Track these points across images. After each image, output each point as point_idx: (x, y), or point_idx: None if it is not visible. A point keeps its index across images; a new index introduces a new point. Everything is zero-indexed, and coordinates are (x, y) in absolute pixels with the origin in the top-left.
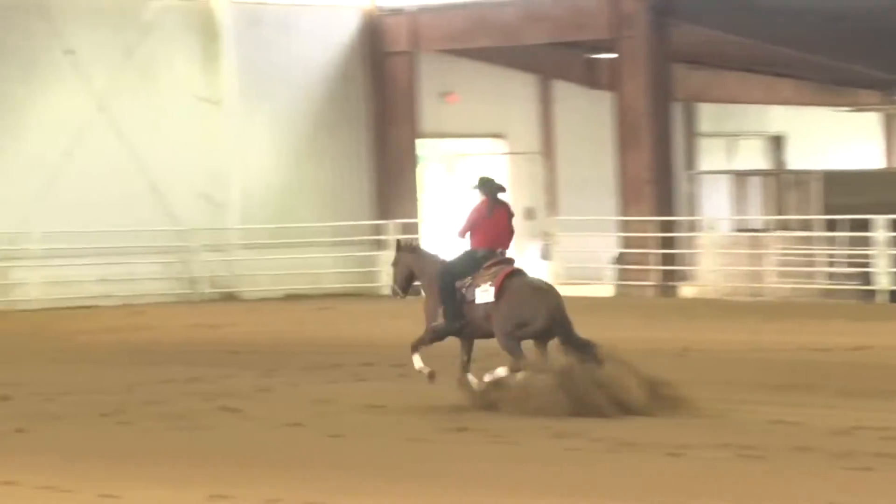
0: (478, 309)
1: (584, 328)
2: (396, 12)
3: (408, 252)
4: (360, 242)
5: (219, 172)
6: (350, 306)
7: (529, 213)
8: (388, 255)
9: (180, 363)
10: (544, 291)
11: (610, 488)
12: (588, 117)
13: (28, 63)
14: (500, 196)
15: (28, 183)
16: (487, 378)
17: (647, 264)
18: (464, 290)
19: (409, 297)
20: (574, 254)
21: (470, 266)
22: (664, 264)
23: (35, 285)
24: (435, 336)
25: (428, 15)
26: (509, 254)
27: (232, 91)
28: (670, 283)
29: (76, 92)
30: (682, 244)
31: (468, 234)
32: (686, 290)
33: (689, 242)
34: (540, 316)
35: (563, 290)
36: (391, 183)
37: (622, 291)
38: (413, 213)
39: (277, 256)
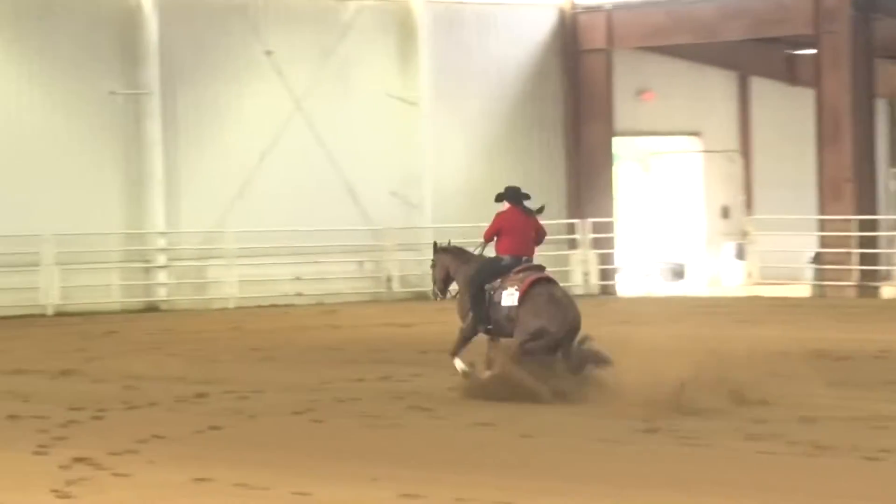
0: (502, 310)
1: (779, 329)
2: (593, 10)
3: (444, 253)
4: (553, 241)
5: (412, 172)
6: None
7: (725, 212)
8: (582, 254)
9: (372, 362)
10: (563, 305)
11: (805, 493)
12: (787, 114)
13: (229, 63)
14: (526, 204)
15: (226, 182)
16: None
17: (847, 264)
18: (492, 293)
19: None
20: (770, 253)
21: (498, 271)
22: (865, 264)
23: (230, 284)
24: (466, 337)
25: (624, 12)
26: (535, 261)
27: (427, 91)
28: (871, 284)
29: (275, 92)
30: (884, 243)
31: (494, 239)
32: (888, 291)
33: (891, 242)
34: (554, 327)
35: (758, 291)
36: (586, 182)
37: (820, 292)
38: (608, 211)
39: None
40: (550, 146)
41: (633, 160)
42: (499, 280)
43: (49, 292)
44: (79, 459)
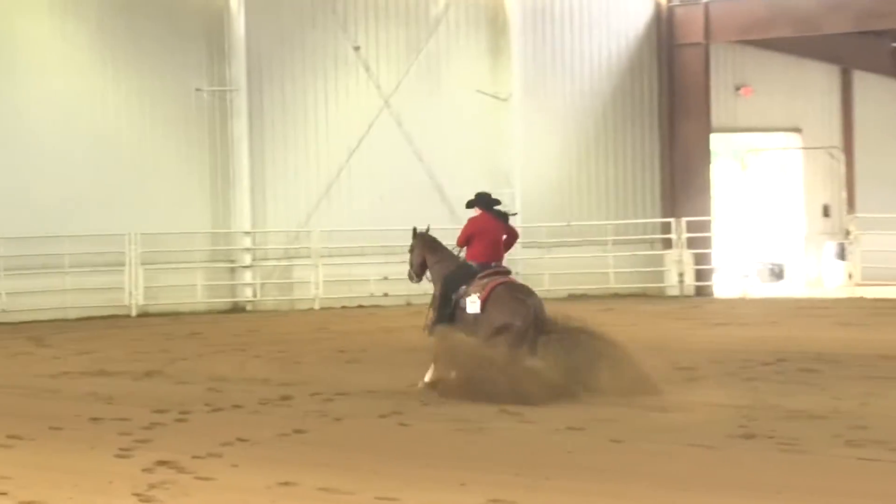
0: (468, 316)
1: (881, 331)
2: (690, 2)
3: (423, 242)
4: (647, 241)
5: (502, 170)
6: (633, 307)
7: (826, 211)
8: (677, 254)
9: None
10: (525, 302)
11: None
12: (892, 109)
13: (316, 59)
14: (497, 209)
15: (312, 180)
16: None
17: None
18: (457, 299)
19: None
20: (873, 253)
21: (466, 278)
22: None
23: (316, 284)
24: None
25: (722, 4)
26: (505, 264)
27: (518, 87)
28: None
29: (362, 89)
30: None
31: (466, 244)
32: None
33: None
34: (518, 321)
35: (860, 292)
36: (682, 179)
37: None
38: (705, 210)
39: (559, 256)
40: (645, 143)
41: (730, 157)
42: (464, 287)
43: (133, 292)
44: (162, 462)
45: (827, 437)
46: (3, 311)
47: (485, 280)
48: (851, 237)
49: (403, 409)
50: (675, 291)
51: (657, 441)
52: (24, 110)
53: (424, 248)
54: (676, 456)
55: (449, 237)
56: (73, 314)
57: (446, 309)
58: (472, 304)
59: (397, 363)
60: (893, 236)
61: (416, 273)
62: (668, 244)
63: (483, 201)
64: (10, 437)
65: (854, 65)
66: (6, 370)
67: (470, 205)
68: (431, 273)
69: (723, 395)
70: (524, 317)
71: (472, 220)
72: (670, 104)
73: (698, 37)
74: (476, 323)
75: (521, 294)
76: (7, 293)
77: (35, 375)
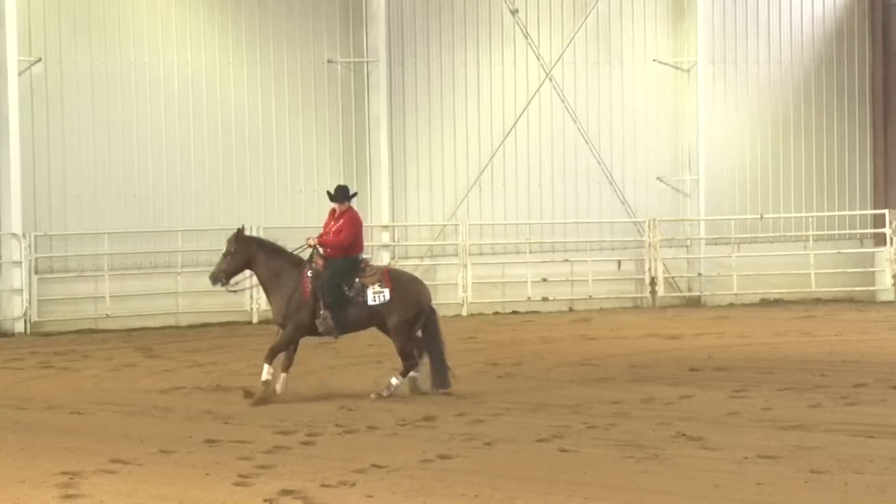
0: (370, 308)
1: None
2: None
3: (250, 245)
4: (856, 237)
5: (682, 152)
6: (841, 314)
7: None
8: (891, 252)
9: (631, 381)
10: (421, 283)
11: None
12: None
13: (468, 25)
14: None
15: (461, 166)
16: (385, 393)
17: None
18: (351, 294)
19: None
20: None
21: (355, 271)
22: None
23: (464, 287)
24: (296, 337)
25: None
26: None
27: (703, 55)
28: None
29: (521, 59)
30: None
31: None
32: None
33: None
34: (423, 304)
35: None
36: None
37: None
38: None
39: (750, 254)
40: (854, 121)
41: None
42: (357, 280)
43: (255, 296)
44: (286, 492)
45: None
46: (108, 316)
47: (370, 270)
48: None
49: (564, 433)
50: (888, 296)
51: (867, 472)
52: (132, 87)
53: (250, 249)
54: (893, 490)
55: (617, 233)
56: (185, 320)
57: (341, 307)
58: (379, 295)
59: (558, 379)
60: None
61: (227, 277)
62: (880, 240)
63: (347, 195)
64: (114, 461)
65: None
66: (110, 385)
67: (339, 198)
68: (265, 273)
69: None
70: (428, 298)
71: (356, 214)
72: (885, 75)
73: None
74: (378, 314)
75: (416, 279)
76: (112, 296)
77: (143, 391)
